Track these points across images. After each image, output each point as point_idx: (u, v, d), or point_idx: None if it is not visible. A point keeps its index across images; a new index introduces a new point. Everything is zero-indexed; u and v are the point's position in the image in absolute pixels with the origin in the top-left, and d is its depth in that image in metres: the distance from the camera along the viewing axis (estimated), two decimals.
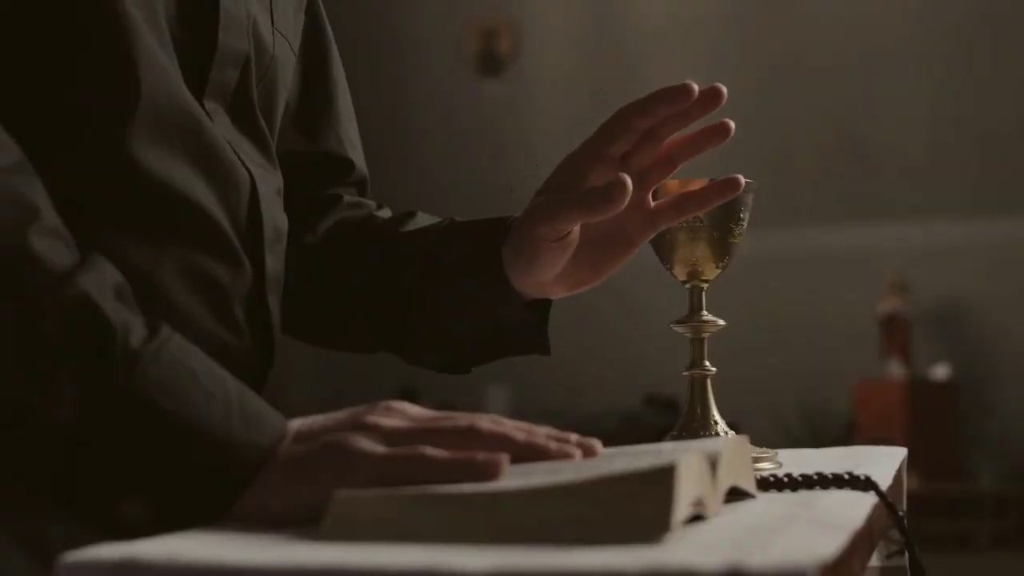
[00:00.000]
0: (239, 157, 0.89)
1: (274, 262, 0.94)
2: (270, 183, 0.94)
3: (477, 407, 7.02)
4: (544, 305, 1.03)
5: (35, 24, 0.80)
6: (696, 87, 0.91)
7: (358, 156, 1.14)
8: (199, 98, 0.87)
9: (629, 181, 0.88)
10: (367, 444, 0.69)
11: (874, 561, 0.93)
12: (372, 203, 1.14)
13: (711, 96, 0.92)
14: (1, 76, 0.79)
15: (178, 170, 0.84)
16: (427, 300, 1.04)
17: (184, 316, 0.84)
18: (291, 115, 1.06)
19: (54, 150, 0.80)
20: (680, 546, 0.55)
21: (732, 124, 0.94)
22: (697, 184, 0.95)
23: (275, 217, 0.94)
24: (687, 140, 0.95)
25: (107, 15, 0.80)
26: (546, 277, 0.98)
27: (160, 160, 0.83)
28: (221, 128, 0.89)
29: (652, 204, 0.96)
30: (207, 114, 0.87)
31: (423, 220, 1.09)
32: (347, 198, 1.12)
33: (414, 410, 0.74)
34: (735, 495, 0.73)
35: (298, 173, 1.02)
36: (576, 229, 0.95)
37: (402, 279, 1.05)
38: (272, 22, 0.97)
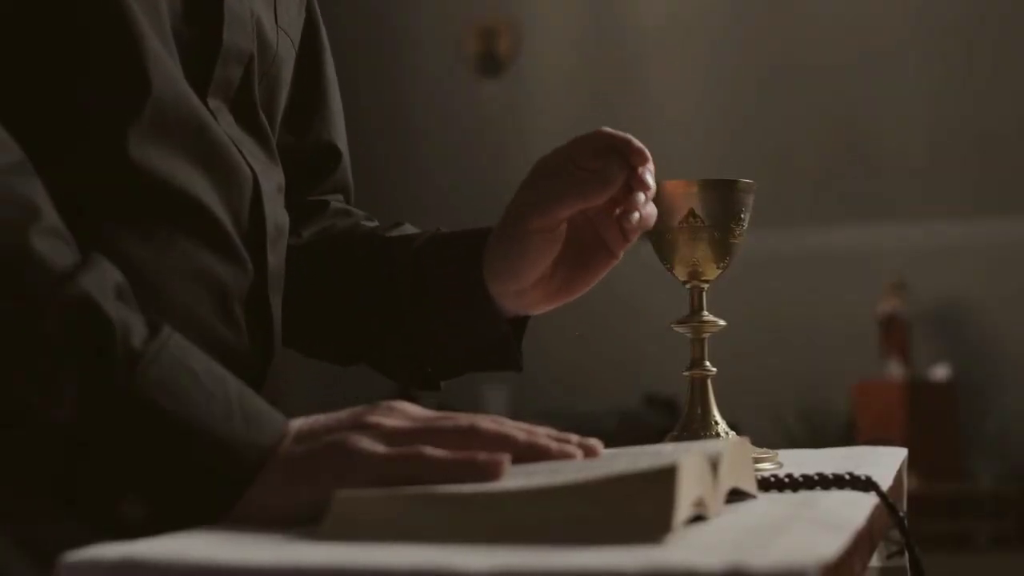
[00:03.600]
0: (242, 155, 0.89)
1: (275, 260, 0.94)
2: (272, 180, 0.94)
3: (476, 407, 7.02)
4: (521, 322, 1.04)
5: (35, 22, 0.80)
6: (647, 155, 0.94)
7: (346, 153, 1.15)
8: (202, 96, 0.87)
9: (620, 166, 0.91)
10: (368, 444, 0.69)
11: (874, 561, 0.93)
12: (361, 213, 1.15)
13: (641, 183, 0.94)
14: (4, 76, 0.79)
15: (180, 168, 0.84)
16: (406, 308, 1.04)
17: (185, 314, 0.84)
18: (284, 113, 1.06)
19: (56, 148, 0.80)
20: (681, 546, 0.55)
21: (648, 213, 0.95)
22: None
23: (277, 214, 0.94)
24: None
25: (108, 12, 0.80)
26: (530, 276, 0.98)
27: (163, 158, 0.83)
28: (224, 125, 0.89)
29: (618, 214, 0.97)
30: (210, 112, 0.87)
31: (409, 229, 1.10)
32: (334, 204, 1.13)
33: (415, 410, 0.74)
34: (736, 495, 0.73)
35: (288, 170, 1.03)
36: (564, 225, 0.96)
37: (382, 286, 1.06)
38: (276, 19, 0.97)
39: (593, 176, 0.93)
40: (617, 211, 0.95)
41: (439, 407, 0.77)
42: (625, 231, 0.97)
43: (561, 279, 1.00)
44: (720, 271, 0.98)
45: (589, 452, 0.73)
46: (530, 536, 0.57)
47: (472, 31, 8.14)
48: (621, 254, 1.00)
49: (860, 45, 7.38)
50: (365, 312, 1.06)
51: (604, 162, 0.93)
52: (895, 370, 6.91)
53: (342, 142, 1.15)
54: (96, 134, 0.81)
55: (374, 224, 1.13)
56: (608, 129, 0.96)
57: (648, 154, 0.94)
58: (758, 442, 0.92)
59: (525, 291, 1.00)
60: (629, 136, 0.95)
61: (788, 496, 0.77)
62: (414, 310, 1.04)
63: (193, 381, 0.70)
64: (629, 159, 0.94)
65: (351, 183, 1.16)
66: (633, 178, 0.94)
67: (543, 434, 0.73)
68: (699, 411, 0.97)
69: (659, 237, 0.97)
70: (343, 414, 0.73)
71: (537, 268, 0.98)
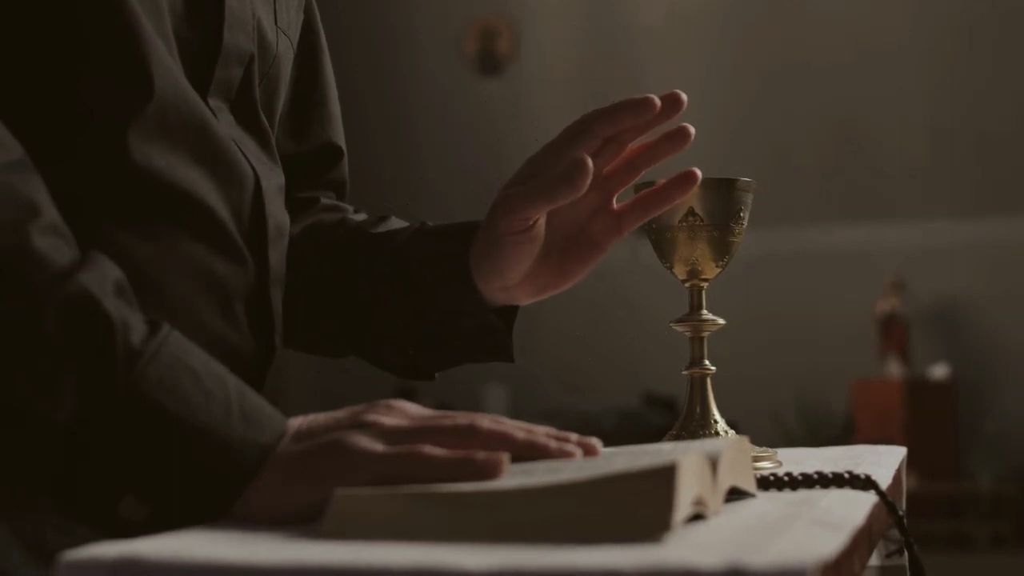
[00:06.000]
0: (243, 154, 0.89)
1: (276, 259, 0.94)
2: (272, 180, 0.94)
3: (475, 406, 7.02)
4: (510, 312, 1.03)
5: (37, 22, 0.80)
6: (658, 101, 0.92)
7: (344, 149, 1.15)
8: (203, 96, 0.87)
9: (589, 161, 0.88)
10: (367, 442, 0.69)
11: (874, 560, 0.93)
12: (349, 207, 1.15)
13: (671, 103, 0.93)
14: (5, 75, 0.79)
15: (182, 167, 0.84)
16: (394, 302, 1.04)
17: (187, 313, 0.84)
18: (281, 115, 1.06)
19: (59, 148, 0.80)
20: (680, 545, 0.55)
21: (692, 130, 0.94)
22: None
23: (277, 214, 0.94)
24: (649, 147, 0.96)
25: (110, 12, 0.80)
26: (512, 275, 0.98)
27: (164, 157, 0.83)
28: (225, 125, 0.89)
29: (616, 207, 0.98)
30: (211, 112, 0.87)
31: (396, 223, 1.10)
32: (324, 200, 1.13)
33: (414, 409, 0.74)
34: (735, 494, 0.73)
35: (287, 171, 1.03)
36: (541, 223, 0.95)
37: (371, 281, 1.05)
38: (275, 20, 0.97)
39: (559, 179, 0.89)
40: (623, 203, 0.94)
41: (438, 406, 0.77)
42: (620, 226, 0.97)
43: (548, 275, 0.99)
44: (719, 270, 0.98)
45: (588, 451, 0.73)
46: (530, 535, 0.57)
47: (472, 31, 8.14)
48: (610, 248, 0.99)
49: (860, 45, 7.38)
50: (354, 307, 1.06)
51: (572, 160, 0.89)
52: (894, 369, 6.92)
53: (341, 140, 1.15)
54: (98, 133, 0.81)
55: (362, 218, 1.12)
56: (593, 112, 0.93)
57: (655, 101, 0.91)
58: (756, 441, 0.92)
59: (509, 287, 0.99)
60: (617, 105, 0.92)
61: (787, 495, 0.77)
62: (403, 305, 1.03)
63: (192, 380, 0.70)
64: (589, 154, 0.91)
65: (347, 178, 1.16)
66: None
67: (542, 433, 0.73)
68: (698, 410, 0.97)
69: (658, 236, 0.97)
70: (342, 413, 0.73)
71: (517, 269, 0.97)
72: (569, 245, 0.99)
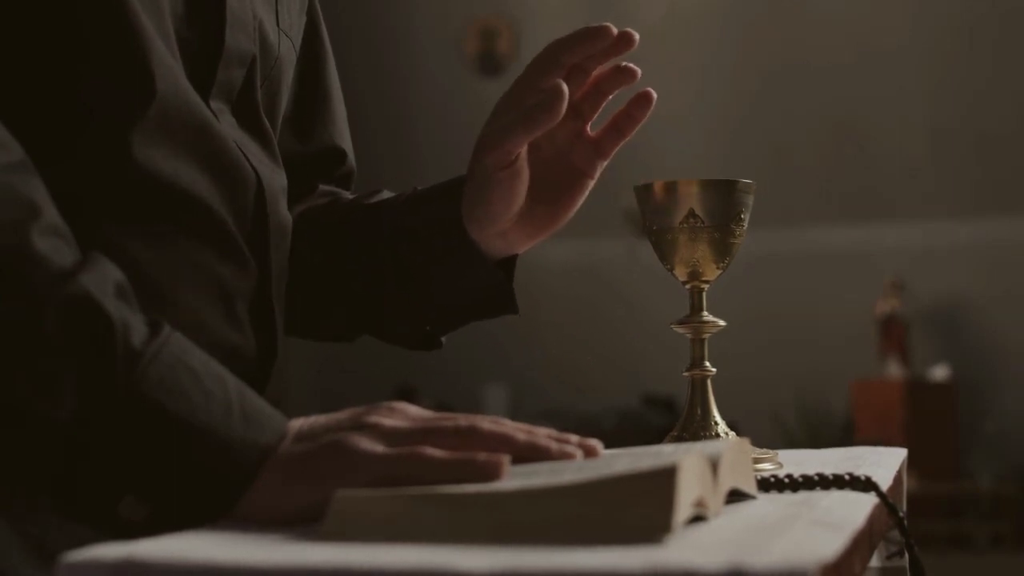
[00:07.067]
0: (245, 156, 0.89)
1: (279, 261, 0.94)
2: (275, 182, 0.94)
3: (475, 406, 7.03)
4: (510, 263, 1.04)
5: (39, 22, 0.80)
6: (614, 29, 0.96)
7: (350, 151, 1.15)
8: (205, 98, 0.87)
9: (563, 85, 0.91)
10: (367, 444, 0.69)
11: (874, 562, 0.93)
12: (344, 191, 1.15)
13: (624, 39, 0.97)
14: (6, 75, 0.79)
15: (184, 169, 0.84)
16: (394, 267, 1.04)
17: (189, 314, 0.83)
18: (285, 116, 1.06)
19: (61, 149, 0.80)
20: (681, 547, 0.55)
21: (638, 70, 0.99)
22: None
23: (280, 216, 0.94)
24: (610, 72, 0.99)
25: (112, 13, 0.80)
26: (504, 218, 0.98)
27: (166, 159, 0.83)
28: (227, 127, 0.89)
29: (592, 134, 1.00)
30: (213, 113, 0.87)
31: (387, 194, 1.11)
32: (321, 187, 1.13)
33: (414, 410, 0.74)
34: (736, 496, 0.73)
35: (289, 173, 1.03)
36: (523, 157, 0.96)
37: (368, 250, 1.06)
38: (277, 22, 0.97)
39: (536, 107, 0.91)
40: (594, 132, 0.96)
41: (438, 407, 0.77)
42: (602, 150, 0.99)
43: (541, 213, 1.00)
44: (720, 271, 0.98)
45: (589, 452, 0.73)
46: (530, 536, 0.57)
47: (472, 31, 8.14)
48: (597, 175, 1.01)
49: (860, 45, 7.38)
50: (356, 281, 1.07)
51: (548, 86, 0.92)
52: (894, 370, 6.92)
53: (346, 143, 1.15)
54: (100, 135, 0.81)
55: (353, 196, 1.13)
56: (556, 41, 0.95)
57: (611, 28, 0.95)
58: (756, 442, 0.92)
59: (506, 232, 1.00)
60: (578, 32, 0.95)
61: (788, 496, 0.77)
62: (403, 270, 1.04)
63: (193, 380, 0.70)
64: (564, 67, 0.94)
65: (353, 170, 1.17)
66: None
67: (543, 434, 0.73)
68: (699, 411, 0.97)
69: (659, 237, 0.97)
70: (343, 414, 0.73)
71: (507, 207, 0.98)
72: (557, 179, 1.00)
